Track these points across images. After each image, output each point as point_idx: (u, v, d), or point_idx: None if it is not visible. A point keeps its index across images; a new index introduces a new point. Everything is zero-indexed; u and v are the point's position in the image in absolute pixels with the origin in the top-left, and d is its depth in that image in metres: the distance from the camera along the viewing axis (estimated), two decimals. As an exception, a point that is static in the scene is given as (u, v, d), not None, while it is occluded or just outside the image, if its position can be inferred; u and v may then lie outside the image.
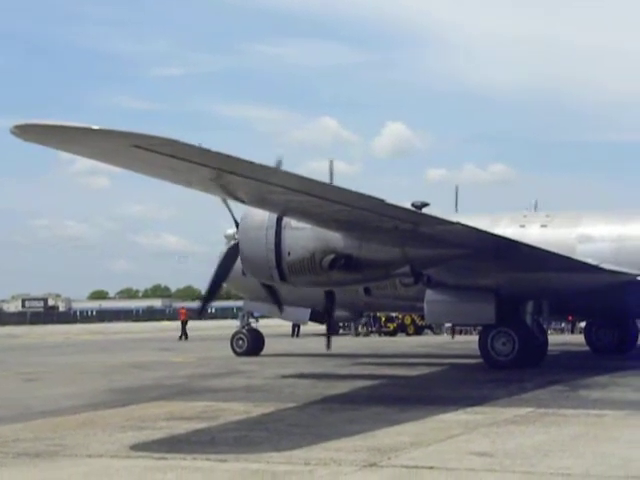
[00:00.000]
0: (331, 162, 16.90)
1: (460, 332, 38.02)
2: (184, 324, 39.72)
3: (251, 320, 25.54)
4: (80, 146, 9.78)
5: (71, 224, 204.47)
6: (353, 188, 12.53)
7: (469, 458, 7.78)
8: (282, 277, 16.27)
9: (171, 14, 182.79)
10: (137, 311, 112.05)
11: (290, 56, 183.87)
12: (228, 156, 10.15)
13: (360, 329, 39.85)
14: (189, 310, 42.00)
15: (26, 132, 8.89)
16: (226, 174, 10.99)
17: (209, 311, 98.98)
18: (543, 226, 19.30)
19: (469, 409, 11.23)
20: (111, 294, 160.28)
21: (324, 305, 18.39)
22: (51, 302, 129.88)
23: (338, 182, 15.97)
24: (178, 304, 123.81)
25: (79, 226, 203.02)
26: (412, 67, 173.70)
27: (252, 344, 24.57)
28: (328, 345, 18.51)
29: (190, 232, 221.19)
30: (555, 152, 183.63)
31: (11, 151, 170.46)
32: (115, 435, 9.58)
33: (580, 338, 25.44)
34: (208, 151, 9.86)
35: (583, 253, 18.22)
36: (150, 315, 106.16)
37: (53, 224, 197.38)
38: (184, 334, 39.11)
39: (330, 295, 18.03)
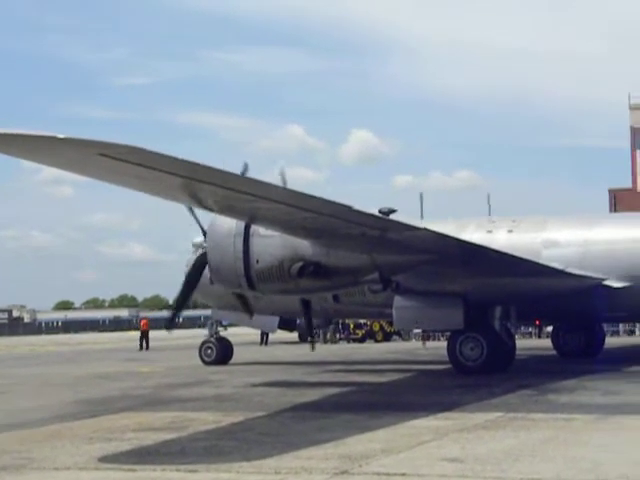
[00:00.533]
0: (282, 168, 16.87)
1: (429, 338, 38.17)
2: (145, 334, 39.32)
3: (219, 329, 25.41)
4: (45, 155, 9.66)
5: (36, 234, 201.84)
6: (320, 195, 12.52)
7: (440, 464, 7.78)
8: (250, 285, 16.20)
9: (131, 22, 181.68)
10: (104, 321, 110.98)
11: (254, 63, 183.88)
12: (195, 164, 10.08)
13: (329, 336, 39.81)
14: (151, 320, 41.77)
15: (-10, 141, 8.76)
16: (193, 182, 10.92)
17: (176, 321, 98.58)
18: (509, 231, 19.43)
19: (439, 415, 11.25)
20: (77, 304, 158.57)
21: (301, 313, 18.38)
22: (16, 313, 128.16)
23: (305, 189, 15.99)
24: (145, 314, 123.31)
25: (44, 236, 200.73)
26: (378, 75, 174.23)
27: (221, 353, 24.44)
28: (312, 347, 19.54)
29: (157, 241, 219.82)
30: (520, 157, 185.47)
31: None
32: (83, 447, 9.47)
33: (547, 342, 25.63)
34: (175, 159, 9.78)
35: (549, 258, 18.37)
36: (117, 325, 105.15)
37: (17, 234, 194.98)
38: (146, 344, 38.67)
39: (306, 303, 18.04)
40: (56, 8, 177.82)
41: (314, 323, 27.27)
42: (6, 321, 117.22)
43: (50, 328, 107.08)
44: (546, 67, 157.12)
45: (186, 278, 18.34)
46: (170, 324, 21.44)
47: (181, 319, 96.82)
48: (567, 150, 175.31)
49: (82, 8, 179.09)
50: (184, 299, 18.88)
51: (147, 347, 38.44)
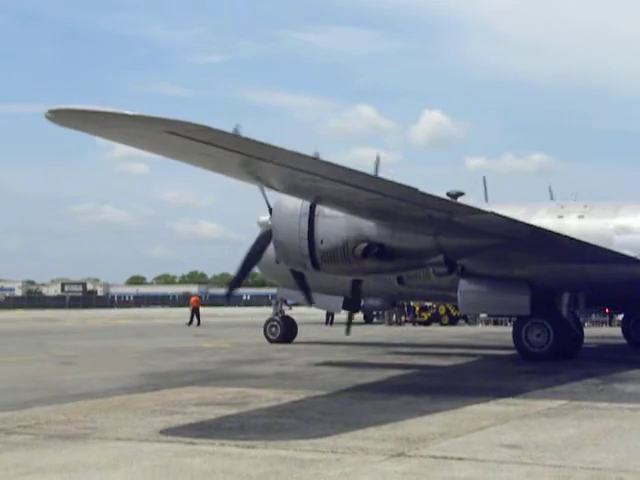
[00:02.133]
0: (378, 157, 16.82)
1: (495, 323, 37.83)
2: (196, 311, 40.06)
3: (284, 307, 25.58)
4: (114, 132, 9.82)
5: (110, 210, 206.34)
6: (391, 177, 12.47)
7: (499, 450, 7.70)
8: (315, 265, 16.25)
9: (211, 1, 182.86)
10: (174, 297, 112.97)
11: (327, 44, 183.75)
12: (261, 143, 10.12)
13: (394, 318, 39.75)
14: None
15: (60, 117, 8.95)
16: (258, 161, 10.98)
17: (244, 298, 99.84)
18: (580, 217, 19.02)
19: (501, 400, 11.13)
20: (148, 280, 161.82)
21: (350, 293, 18.35)
22: (90, 287, 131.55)
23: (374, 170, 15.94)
24: (214, 290, 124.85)
25: (118, 212, 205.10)
26: (451, 55, 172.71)
27: (285, 331, 24.62)
28: (348, 331, 19.14)
29: (227, 219, 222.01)
30: (596, 141, 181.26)
31: (49, 137, 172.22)
32: (146, 419, 9.65)
33: (618, 331, 25.13)
34: (241, 138, 9.85)
35: (621, 244, 17.93)
36: (186, 301, 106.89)
37: (92, 210, 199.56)
38: (197, 320, 39.56)
39: (356, 283, 17.96)
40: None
41: (379, 305, 27.35)
42: (80, 294, 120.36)
43: (122, 302, 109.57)
44: (628, 48, 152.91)
45: (247, 254, 18.45)
46: (228, 297, 21.68)
47: (249, 297, 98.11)
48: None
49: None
50: (243, 274, 19.01)
51: (198, 323, 39.23)
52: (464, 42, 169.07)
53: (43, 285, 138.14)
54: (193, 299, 42.15)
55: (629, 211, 18.97)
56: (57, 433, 8.76)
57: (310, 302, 20.66)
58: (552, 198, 21.79)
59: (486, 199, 21.73)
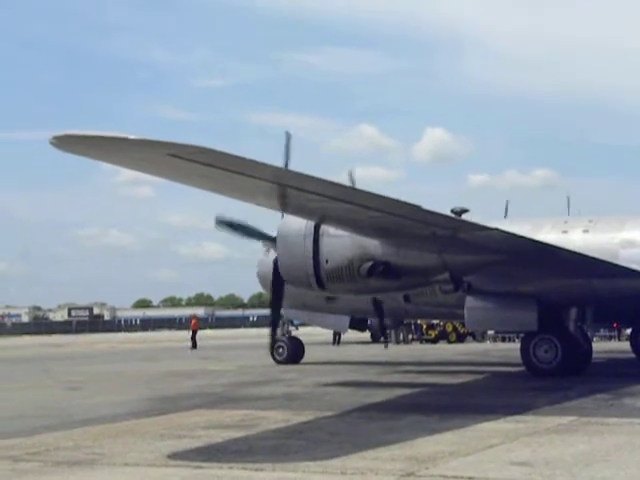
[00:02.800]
0: (351, 169, 16.97)
1: (503, 339, 37.71)
2: (194, 333, 39.48)
3: (291, 328, 25.52)
4: (118, 156, 9.86)
5: (115, 234, 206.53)
6: (394, 195, 12.47)
7: (509, 468, 7.65)
8: (320, 285, 16.24)
9: (210, 24, 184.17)
10: (180, 319, 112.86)
11: (328, 64, 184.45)
12: (263, 164, 10.14)
13: (401, 336, 39.63)
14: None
15: (64, 143, 8.98)
16: (261, 182, 10.99)
17: (250, 319, 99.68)
18: (585, 231, 18.99)
19: (510, 418, 11.06)
20: (155, 303, 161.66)
21: (372, 313, 18.35)
22: (96, 311, 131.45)
23: (378, 189, 15.97)
24: (221, 312, 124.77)
25: (123, 235, 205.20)
26: (451, 72, 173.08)
27: (292, 352, 24.55)
28: (386, 346, 19.11)
29: (230, 239, 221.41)
30: (599, 156, 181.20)
31: (54, 162, 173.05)
32: (154, 444, 9.61)
33: (626, 345, 25.01)
34: (243, 159, 9.86)
35: (627, 259, 17.88)
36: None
37: (97, 234, 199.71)
38: (193, 344, 38.74)
39: (378, 303, 17.96)
40: (137, 9, 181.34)
41: (386, 323, 27.26)
42: (87, 318, 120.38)
43: (129, 325, 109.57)
44: (628, 63, 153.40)
45: (272, 283, 18.34)
46: (273, 329, 21.57)
47: (255, 317, 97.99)
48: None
49: (164, 10, 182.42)
50: (277, 302, 18.87)
51: (194, 346, 38.35)
52: (462, 60, 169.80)
53: (50, 310, 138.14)
54: (193, 322, 41.34)
55: (634, 225, 18.92)
56: (65, 459, 8.73)
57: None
58: (569, 213, 21.86)
59: (505, 215, 21.90)
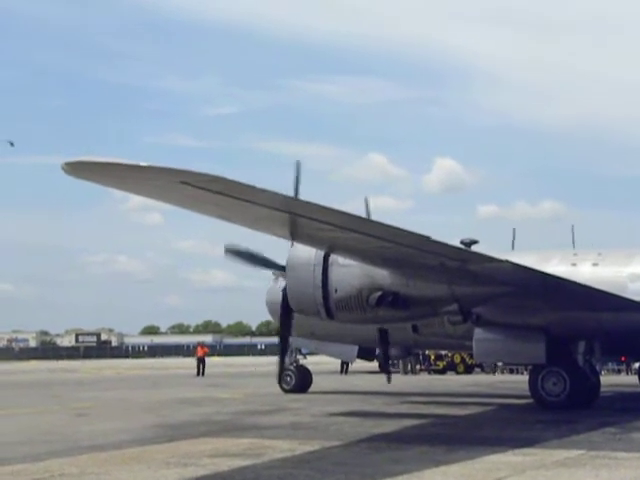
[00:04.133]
0: (366, 199, 17.01)
1: (511, 371, 37.54)
2: (202, 360, 39.43)
3: (299, 357, 25.49)
4: (129, 183, 9.96)
5: (124, 260, 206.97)
6: (404, 225, 12.53)
7: (516, 501, 7.62)
8: (329, 314, 16.27)
9: (220, 52, 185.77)
10: (188, 346, 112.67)
11: (339, 93, 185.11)
12: (274, 193, 10.24)
13: (409, 367, 39.49)
14: (205, 346, 42.03)
15: (76, 169, 9.08)
16: (272, 211, 11.07)
17: (258, 347, 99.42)
18: (594, 264, 18.99)
19: (517, 450, 11.01)
20: (163, 329, 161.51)
21: (378, 343, 18.32)
22: (104, 337, 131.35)
23: (388, 219, 16.06)
24: (229, 340, 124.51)
25: (132, 262, 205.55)
26: (460, 102, 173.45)
27: (300, 381, 24.50)
28: (388, 380, 19.25)
29: (240, 267, 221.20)
30: (608, 188, 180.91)
31: (65, 188, 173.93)
32: (160, 471, 9.60)
33: (634, 379, 24.88)
34: (255, 188, 9.95)
35: (635, 292, 17.85)
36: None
37: (106, 260, 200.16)
38: (202, 371, 38.74)
39: (383, 333, 17.95)
40: (147, 38, 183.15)
41: (393, 353, 27.23)
42: (94, 344, 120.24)
43: (136, 352, 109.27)
44: (634, 95, 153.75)
45: (280, 311, 18.39)
46: (282, 358, 21.66)
47: (263, 346, 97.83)
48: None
49: (173, 38, 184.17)
50: (285, 331, 18.90)
51: (203, 373, 38.44)
52: (471, 90, 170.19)
53: (57, 335, 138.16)
54: (199, 348, 41.17)
55: (643, 259, 18.91)
56: (71, 485, 8.72)
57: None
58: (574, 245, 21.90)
59: (513, 248, 21.87)
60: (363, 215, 14.88)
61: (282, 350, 19.24)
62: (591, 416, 15.53)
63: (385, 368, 19.68)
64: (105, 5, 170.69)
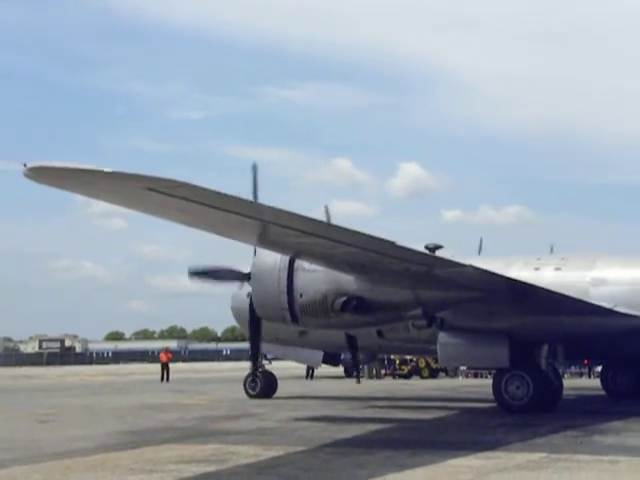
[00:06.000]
0: (326, 207, 17.12)
1: (475, 375, 37.83)
2: (165, 366, 39.26)
3: (264, 362, 25.47)
4: (93, 189, 9.90)
5: (88, 265, 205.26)
6: (368, 229, 12.60)
7: (479, 504, 7.69)
8: (294, 319, 16.29)
9: (186, 57, 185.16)
10: (153, 352, 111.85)
11: (302, 99, 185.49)
12: (239, 199, 10.24)
13: (374, 371, 39.62)
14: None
15: (39, 174, 9.00)
16: (238, 217, 11.07)
17: (223, 353, 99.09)
18: (557, 269, 19.23)
19: (481, 454, 11.11)
20: (127, 335, 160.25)
21: (347, 349, 18.43)
22: (68, 343, 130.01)
23: (353, 223, 16.18)
24: (194, 345, 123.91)
25: (96, 267, 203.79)
26: (426, 109, 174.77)
27: (265, 386, 24.45)
28: (358, 381, 20.55)
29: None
30: (572, 194, 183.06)
31: (27, 193, 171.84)
32: (124, 478, 9.55)
33: (597, 382, 25.18)
34: (219, 194, 9.94)
35: (597, 296, 18.11)
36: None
37: (70, 265, 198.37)
38: (167, 376, 38.59)
39: (351, 338, 18.02)
40: (114, 43, 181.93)
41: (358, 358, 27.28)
42: (58, 350, 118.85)
43: (101, 358, 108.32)
44: (598, 102, 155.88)
45: (249, 317, 18.40)
46: (254, 365, 21.60)
47: (228, 351, 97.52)
48: (619, 187, 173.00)
49: (140, 43, 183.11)
50: (255, 337, 18.90)
51: (167, 379, 38.31)
52: (434, 96, 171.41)
53: (21, 342, 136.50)
54: (162, 354, 40.89)
55: (605, 263, 19.20)
56: (33, 493, 8.64)
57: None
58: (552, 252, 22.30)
59: (479, 253, 22.10)
60: (340, 222, 14.96)
61: (253, 356, 19.24)
62: (554, 419, 15.70)
63: (355, 372, 19.82)
64: (70, 8, 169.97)
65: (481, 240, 23.47)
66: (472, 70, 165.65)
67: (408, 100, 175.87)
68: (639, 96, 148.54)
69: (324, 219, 15.67)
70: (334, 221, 12.79)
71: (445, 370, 38.95)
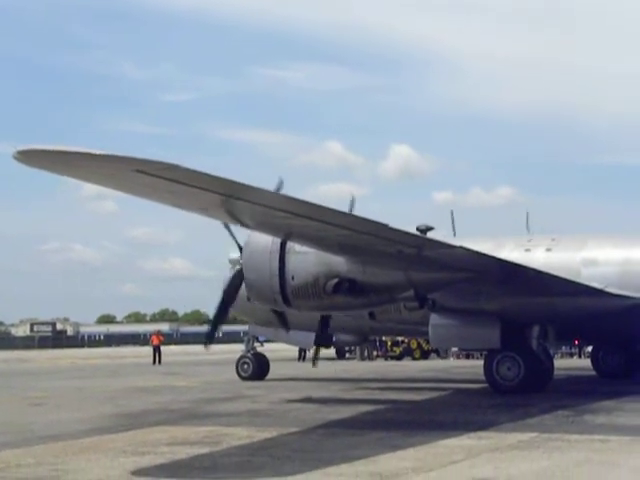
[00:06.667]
0: (353, 197, 16.92)
1: (466, 357, 37.95)
2: (157, 349, 39.28)
3: (256, 344, 25.52)
4: (83, 171, 9.85)
5: (79, 248, 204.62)
6: (361, 212, 12.57)
7: (471, 484, 7.73)
8: (286, 302, 16.27)
9: (178, 39, 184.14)
10: (144, 335, 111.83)
11: (295, 80, 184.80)
12: (229, 180, 10.20)
13: (366, 353, 39.71)
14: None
15: (29, 157, 8.96)
16: (228, 199, 11.03)
17: (216, 335, 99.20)
18: (548, 250, 19.26)
19: (473, 434, 11.17)
20: (119, 318, 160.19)
21: (319, 330, 18.38)
22: (59, 326, 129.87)
23: (344, 205, 16.07)
24: (186, 328, 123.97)
25: (87, 250, 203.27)
26: (418, 91, 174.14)
27: (257, 368, 24.54)
28: (314, 364, 19.84)
29: (197, 256, 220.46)
30: (563, 175, 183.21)
31: (18, 176, 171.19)
32: (117, 460, 9.57)
33: (587, 363, 25.30)
34: (210, 176, 9.91)
35: (588, 277, 18.16)
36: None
37: (61, 248, 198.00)
38: (158, 359, 38.63)
39: (325, 318, 17.95)
40: (104, 25, 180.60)
41: (350, 340, 27.37)
42: (50, 334, 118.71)
43: (92, 341, 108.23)
44: (591, 82, 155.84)
45: (223, 295, 18.47)
46: (208, 340, 21.66)
47: (221, 334, 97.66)
48: (611, 167, 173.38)
49: (130, 25, 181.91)
50: (221, 315, 19.01)
51: (159, 361, 38.37)
52: (428, 78, 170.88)
53: (12, 325, 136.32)
54: (153, 337, 40.80)
55: (596, 244, 19.24)
56: (27, 476, 8.66)
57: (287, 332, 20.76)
58: (529, 230, 22.15)
59: (454, 233, 21.89)
60: (333, 203, 14.88)
61: (219, 313, 19.04)
62: (544, 399, 15.78)
63: (315, 353, 19.81)
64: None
65: (452, 213, 22.90)
66: (466, 52, 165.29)
67: (401, 82, 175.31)
68: (634, 78, 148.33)
69: (322, 201, 15.64)
70: (326, 203, 12.69)
71: (437, 351, 39.01)
